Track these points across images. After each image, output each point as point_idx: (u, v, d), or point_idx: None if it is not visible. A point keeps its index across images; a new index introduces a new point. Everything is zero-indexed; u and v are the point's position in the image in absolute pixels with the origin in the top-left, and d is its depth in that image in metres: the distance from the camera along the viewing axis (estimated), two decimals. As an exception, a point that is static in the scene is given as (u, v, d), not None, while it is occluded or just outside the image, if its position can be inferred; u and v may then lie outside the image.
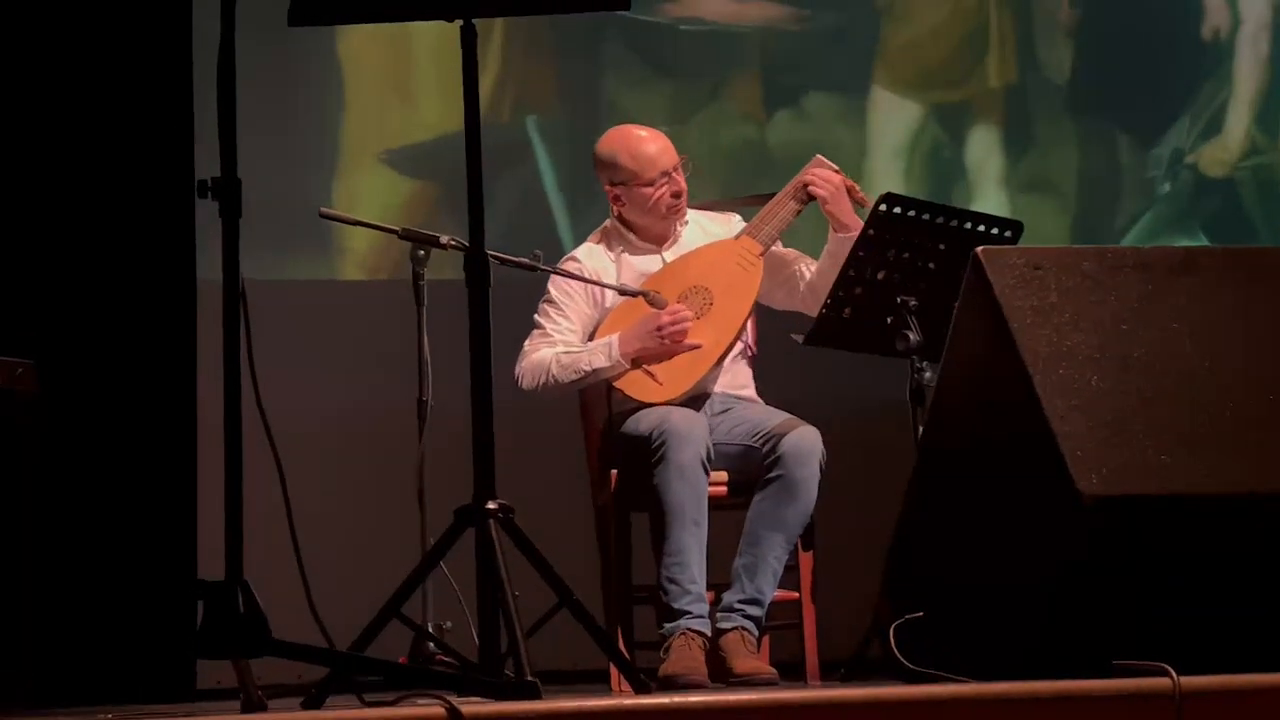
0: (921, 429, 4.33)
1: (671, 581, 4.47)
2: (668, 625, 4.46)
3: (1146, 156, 6.65)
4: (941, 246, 4.67)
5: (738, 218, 4.95)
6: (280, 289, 5.65)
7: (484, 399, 3.54)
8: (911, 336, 4.60)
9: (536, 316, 4.79)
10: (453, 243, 4.49)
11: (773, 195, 4.86)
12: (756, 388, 4.87)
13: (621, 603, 4.65)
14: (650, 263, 4.84)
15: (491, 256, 3.63)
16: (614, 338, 4.68)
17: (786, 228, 4.83)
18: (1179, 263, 3.73)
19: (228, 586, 3.25)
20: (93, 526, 5.58)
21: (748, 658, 4.45)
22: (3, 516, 4.67)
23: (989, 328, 3.61)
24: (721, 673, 4.44)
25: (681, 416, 4.55)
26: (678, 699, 3.27)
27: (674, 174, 4.81)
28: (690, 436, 4.49)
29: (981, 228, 4.71)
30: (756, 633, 4.53)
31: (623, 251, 4.86)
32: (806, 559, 4.66)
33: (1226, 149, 6.71)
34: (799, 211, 4.82)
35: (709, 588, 4.52)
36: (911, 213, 4.67)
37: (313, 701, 3.40)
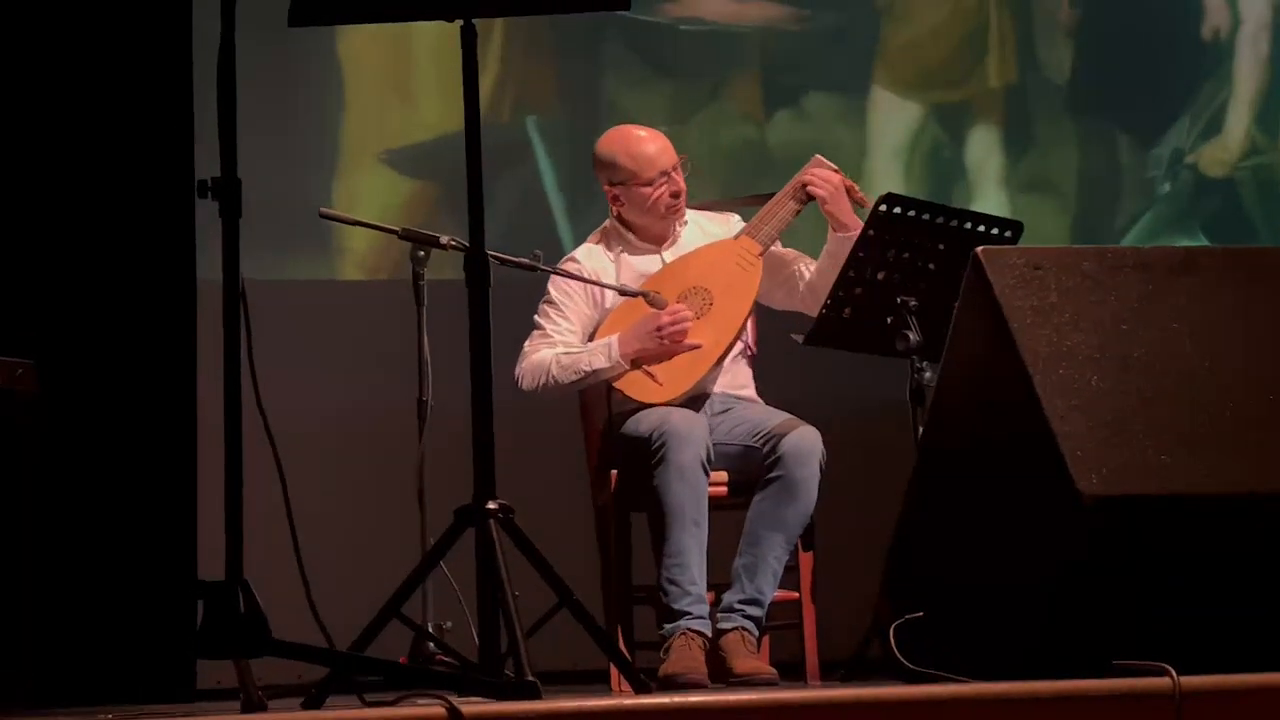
0: (921, 429, 4.33)
1: (671, 582, 4.47)
2: (668, 626, 4.46)
3: (1146, 156, 6.65)
4: (941, 246, 4.67)
5: (737, 218, 4.95)
6: (280, 289, 5.65)
7: (484, 399, 3.54)
8: (911, 336, 4.61)
9: (536, 317, 4.79)
10: (453, 243, 4.49)
11: (772, 195, 4.86)
12: (756, 388, 4.87)
13: (621, 603, 4.65)
14: (650, 263, 4.84)
15: (491, 256, 3.63)
16: (614, 338, 4.68)
17: (786, 227, 4.83)
18: (1179, 263, 3.73)
19: (228, 586, 3.25)
20: (93, 526, 5.57)
21: (748, 658, 4.45)
22: (3, 516, 4.67)
23: (989, 328, 3.61)
24: (721, 673, 4.44)
25: (681, 417, 4.55)
26: (678, 699, 3.27)
27: (673, 174, 4.81)
28: (690, 437, 4.49)
29: (981, 228, 4.71)
30: (757, 633, 4.53)
31: (622, 252, 4.86)
32: (806, 559, 4.66)
33: (1226, 149, 6.71)
34: (798, 211, 4.82)
35: (709, 588, 4.52)
36: (911, 213, 4.67)
37: (313, 701, 3.40)
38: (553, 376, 4.69)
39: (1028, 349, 3.55)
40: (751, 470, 4.61)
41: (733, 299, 4.72)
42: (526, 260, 4.51)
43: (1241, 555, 3.54)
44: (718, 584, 4.58)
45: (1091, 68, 6.64)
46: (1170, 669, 3.21)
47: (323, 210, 4.74)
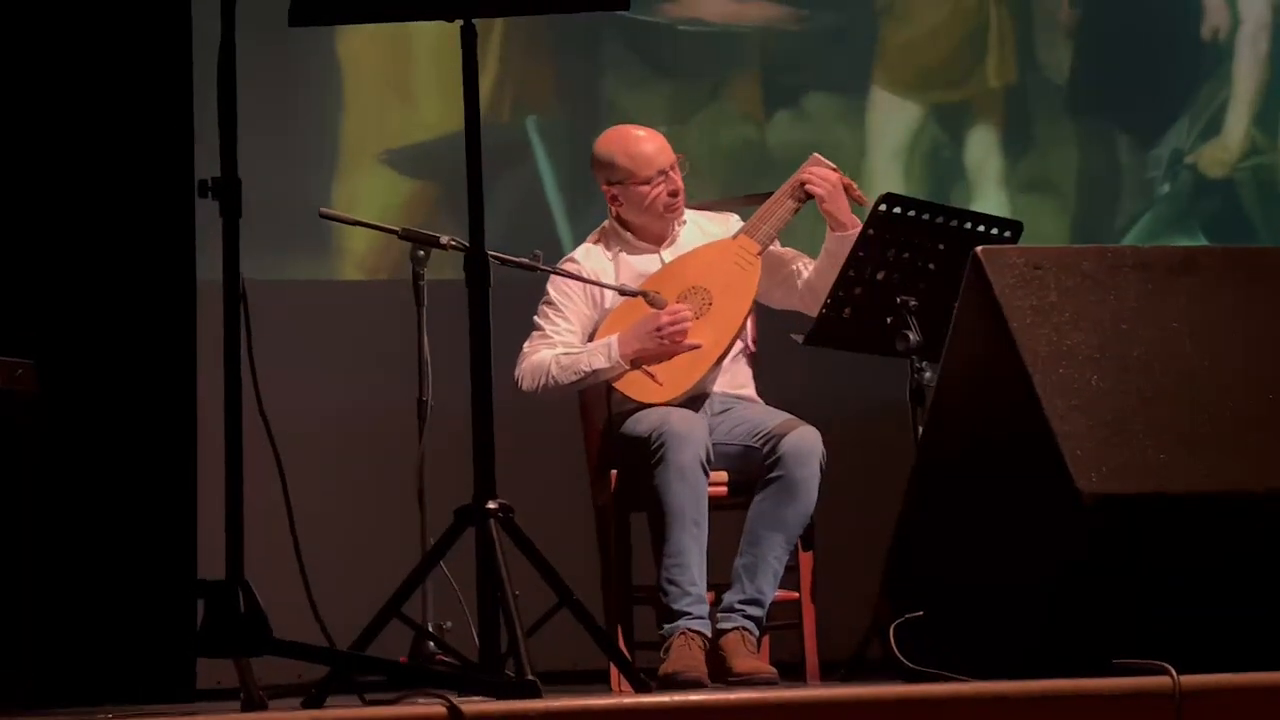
0: (921, 429, 4.33)
1: (671, 583, 4.47)
2: (667, 626, 4.46)
3: (1146, 157, 6.65)
4: (941, 246, 4.67)
5: (736, 218, 4.96)
6: (280, 289, 5.65)
7: (484, 399, 3.54)
8: (911, 336, 4.61)
9: (536, 318, 4.79)
10: (453, 243, 4.49)
11: (770, 194, 4.86)
12: (756, 388, 4.87)
13: (621, 603, 4.66)
14: (649, 263, 4.84)
15: (491, 256, 3.63)
16: (614, 338, 4.68)
17: (784, 226, 4.83)
18: (1179, 263, 3.73)
19: (228, 586, 3.26)
20: (93, 526, 5.57)
21: (748, 657, 4.45)
22: (3, 516, 4.67)
23: (989, 327, 3.61)
24: (721, 672, 4.44)
25: (681, 418, 4.55)
26: (678, 698, 3.28)
27: (671, 172, 4.81)
28: (690, 438, 4.49)
29: (981, 228, 4.72)
30: (757, 633, 4.53)
31: (621, 252, 4.86)
32: (806, 559, 4.66)
33: (1226, 149, 6.71)
34: (796, 210, 4.82)
35: (709, 588, 4.53)
36: (911, 213, 4.67)
37: (313, 701, 3.40)
38: (553, 377, 4.69)
39: (1027, 349, 3.55)
40: (751, 470, 4.61)
41: (732, 298, 4.72)
42: (526, 260, 4.51)
43: (1241, 554, 3.54)
44: (718, 584, 4.58)
45: (1091, 68, 6.64)
46: (1170, 668, 3.21)
47: (323, 210, 4.74)
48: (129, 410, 5.67)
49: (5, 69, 5.68)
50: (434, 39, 6.00)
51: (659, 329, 4.64)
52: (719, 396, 4.76)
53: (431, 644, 4.29)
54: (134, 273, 5.74)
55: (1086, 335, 3.59)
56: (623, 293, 4.71)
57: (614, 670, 4.32)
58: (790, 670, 4.63)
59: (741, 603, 4.53)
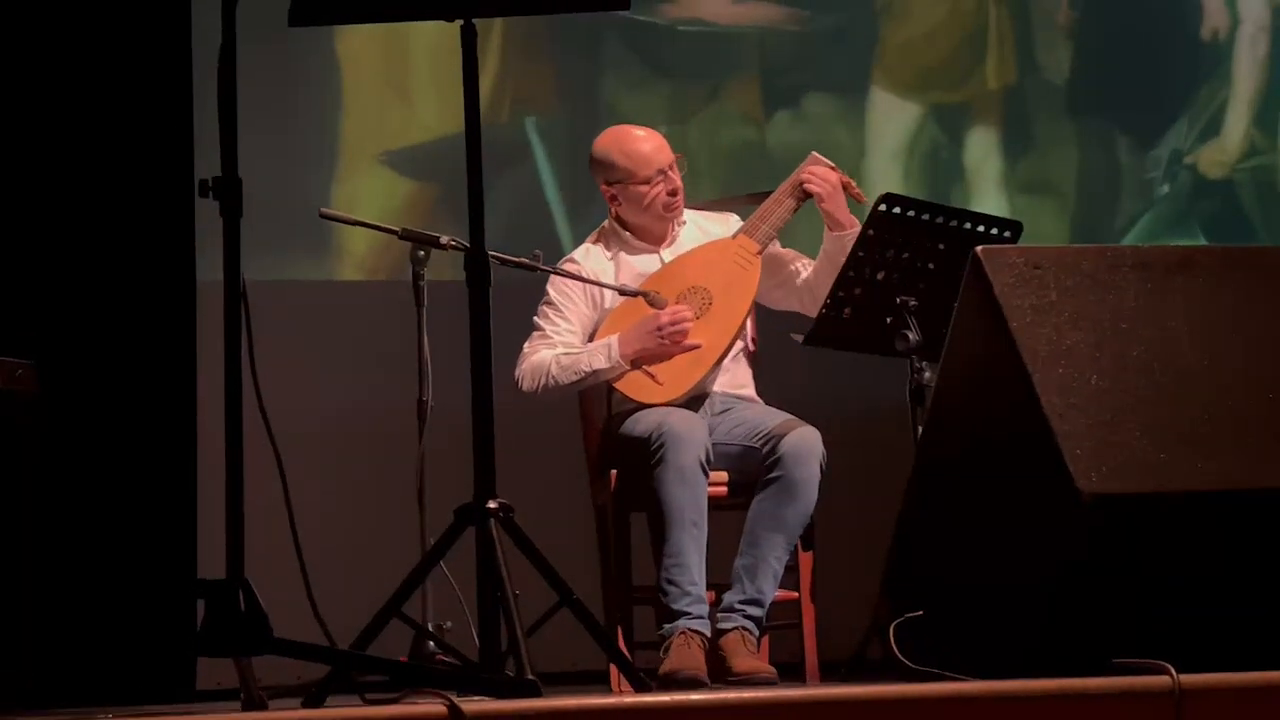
0: (921, 429, 4.33)
1: (671, 583, 4.47)
2: (667, 626, 4.47)
3: (1145, 157, 6.65)
4: (941, 246, 4.67)
5: (735, 218, 4.96)
6: (280, 289, 5.65)
7: (484, 399, 3.54)
8: (911, 336, 4.61)
9: (536, 319, 4.80)
10: (453, 243, 4.49)
11: (769, 193, 4.86)
12: (756, 387, 4.88)
13: (621, 603, 4.66)
14: (648, 263, 4.84)
15: (491, 256, 3.63)
16: (614, 339, 4.68)
17: (783, 225, 4.84)
18: (1178, 262, 3.74)
19: (229, 585, 3.26)
20: (93, 526, 5.57)
21: (747, 657, 4.45)
22: (3, 516, 4.67)
23: (988, 327, 3.62)
24: (721, 672, 4.44)
25: (680, 418, 4.56)
26: (678, 698, 3.28)
27: (669, 172, 4.81)
28: (689, 438, 4.49)
29: (981, 228, 4.71)
30: (757, 633, 4.54)
31: (620, 252, 4.86)
32: (806, 559, 4.66)
33: (1225, 150, 6.71)
34: (796, 209, 4.83)
35: (709, 588, 4.53)
36: (911, 213, 4.67)
37: (313, 700, 3.40)
38: (553, 377, 4.69)
39: (1027, 348, 3.56)
40: (751, 470, 4.61)
41: (732, 298, 4.72)
42: (526, 260, 4.50)
43: (1241, 554, 3.55)
44: (718, 584, 4.58)
45: (1090, 69, 6.64)
46: (1170, 667, 3.21)
47: (323, 210, 4.73)
48: (129, 410, 5.67)
49: (5, 69, 5.68)
50: (433, 39, 6.00)
51: (659, 329, 4.64)
52: (719, 396, 4.76)
53: (431, 643, 4.29)
54: (134, 273, 5.74)
55: (1086, 335, 3.59)
56: (623, 293, 4.72)
57: (614, 670, 4.32)
58: (790, 670, 4.63)
59: (741, 603, 4.53)
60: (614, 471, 4.66)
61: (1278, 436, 3.57)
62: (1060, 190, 6.60)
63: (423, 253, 4.62)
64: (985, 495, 3.68)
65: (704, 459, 4.50)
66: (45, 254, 5.66)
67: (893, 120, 6.52)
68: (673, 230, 4.89)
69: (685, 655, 4.39)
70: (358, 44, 6.12)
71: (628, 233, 4.87)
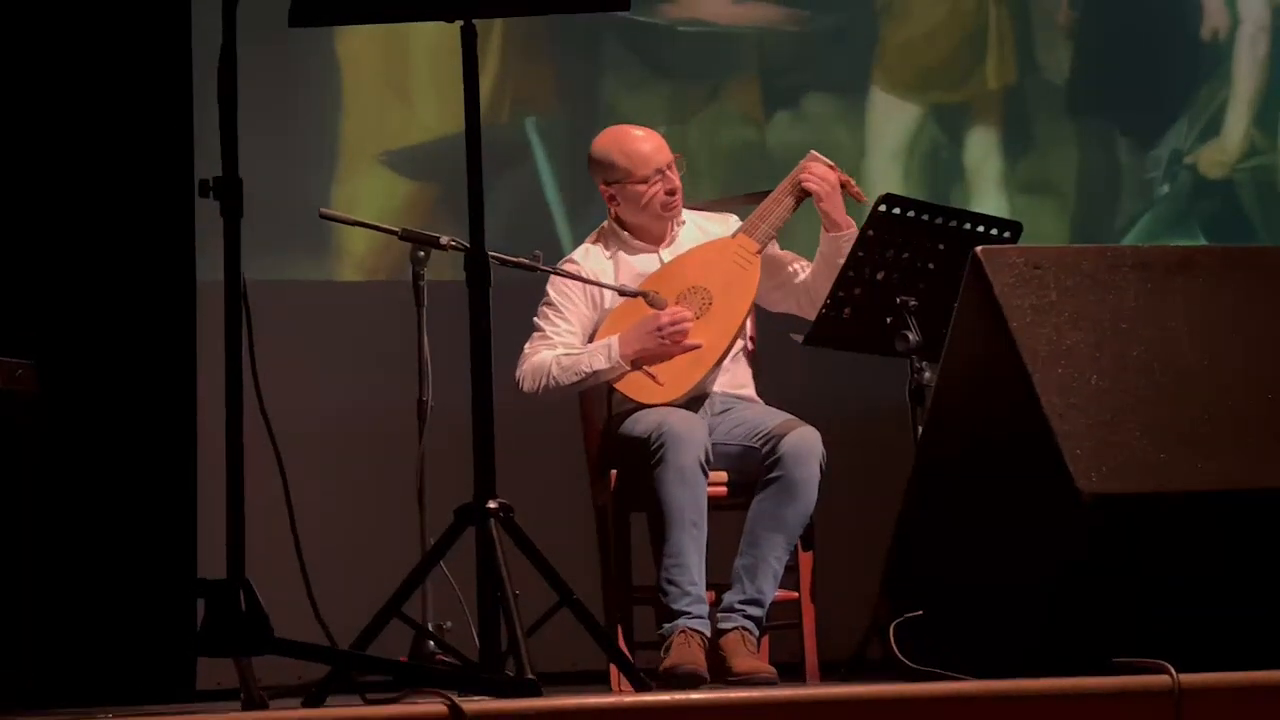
0: (921, 429, 4.33)
1: (671, 583, 4.48)
2: (667, 625, 4.47)
3: (1145, 157, 6.65)
4: (941, 247, 4.67)
5: (734, 218, 4.96)
6: (280, 289, 5.65)
7: (484, 399, 3.54)
8: (911, 336, 4.61)
9: (536, 319, 4.80)
10: (453, 243, 4.49)
11: (768, 193, 4.86)
12: (756, 387, 4.88)
13: (621, 603, 4.66)
14: (648, 263, 4.84)
15: (491, 257, 3.63)
16: (614, 339, 4.69)
17: (783, 225, 4.84)
18: (1178, 262, 3.74)
19: (229, 585, 3.26)
20: (93, 526, 5.58)
21: (748, 657, 4.46)
22: (3, 516, 4.67)
23: (988, 327, 3.62)
24: (721, 672, 4.44)
25: (680, 418, 4.56)
26: (678, 697, 3.28)
27: (668, 172, 4.81)
28: (689, 438, 4.49)
29: (981, 228, 4.72)
30: (757, 633, 4.54)
31: (620, 252, 4.86)
32: (806, 559, 4.66)
33: (1225, 150, 6.71)
34: (795, 208, 4.83)
35: (709, 588, 4.53)
36: (911, 213, 4.67)
37: (313, 700, 3.40)
38: (553, 378, 4.69)
39: (1027, 348, 3.56)
40: (751, 470, 4.61)
41: (732, 298, 4.72)
42: (526, 260, 4.50)
43: (1241, 553, 3.55)
44: (718, 584, 4.58)
45: (1090, 69, 6.64)
46: (1170, 667, 3.21)
47: (323, 211, 4.73)
48: (129, 410, 5.67)
49: (6, 70, 5.68)
50: (433, 39, 6.00)
51: (659, 329, 4.64)
52: (719, 396, 4.77)
53: (432, 643, 4.29)
54: (134, 273, 5.74)
55: (1086, 335, 3.59)
56: (623, 293, 4.72)
57: (614, 670, 4.33)
58: (790, 670, 4.63)
59: (741, 603, 4.53)
60: (614, 471, 4.66)
61: (1278, 436, 3.57)
62: (1060, 190, 6.60)
63: (423, 253, 4.63)
64: (985, 495, 3.68)
65: (704, 459, 4.50)
66: (45, 254, 5.66)
67: (893, 120, 6.52)
68: (672, 230, 4.89)
69: (685, 652, 4.39)
70: (358, 44, 6.12)
71: (627, 233, 4.87)
